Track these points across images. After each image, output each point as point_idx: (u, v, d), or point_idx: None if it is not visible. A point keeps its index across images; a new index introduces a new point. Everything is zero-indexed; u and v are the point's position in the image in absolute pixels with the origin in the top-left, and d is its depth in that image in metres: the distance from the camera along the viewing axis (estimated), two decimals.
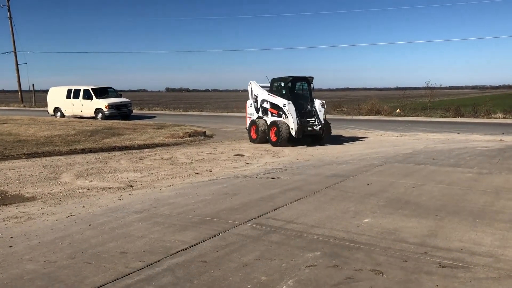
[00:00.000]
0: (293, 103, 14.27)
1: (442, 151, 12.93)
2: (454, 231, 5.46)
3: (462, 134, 17.78)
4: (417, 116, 27.75)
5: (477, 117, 26.01)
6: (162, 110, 37.67)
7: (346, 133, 18.89)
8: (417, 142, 15.21)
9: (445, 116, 27.09)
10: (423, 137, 16.91)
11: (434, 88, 33.70)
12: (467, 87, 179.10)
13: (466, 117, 26.11)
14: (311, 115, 14.90)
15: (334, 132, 18.99)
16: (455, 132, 18.50)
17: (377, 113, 29.28)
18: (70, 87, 27.38)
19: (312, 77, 15.30)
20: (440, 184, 8.28)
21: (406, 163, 10.81)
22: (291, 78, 15.03)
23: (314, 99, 15.18)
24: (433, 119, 26.12)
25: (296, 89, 15.56)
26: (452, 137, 16.79)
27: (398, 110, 30.18)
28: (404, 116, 28.14)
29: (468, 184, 8.28)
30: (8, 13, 48.11)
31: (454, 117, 26.56)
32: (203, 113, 34.48)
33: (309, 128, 14.56)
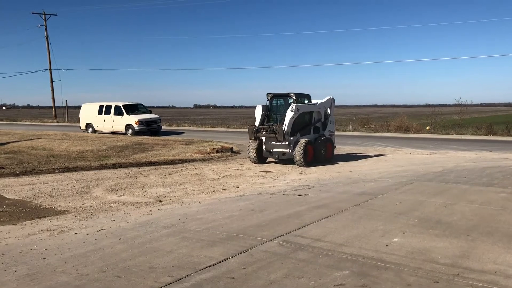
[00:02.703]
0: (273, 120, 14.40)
1: (473, 169, 12.62)
2: (488, 253, 5.31)
3: (494, 153, 17.32)
4: (448, 133, 27.23)
5: (511, 135, 25.31)
6: (190, 126, 38.20)
7: (374, 150, 18.68)
8: (448, 161, 14.90)
9: (477, 134, 26.48)
10: (453, 155, 16.55)
11: (465, 105, 33.14)
12: (499, 104, 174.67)
13: (499, 135, 25.46)
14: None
15: (361, 149, 18.90)
16: (487, 151, 18.04)
17: (406, 130, 28.88)
18: (101, 104, 28.15)
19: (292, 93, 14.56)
20: (472, 204, 8.08)
21: (437, 181, 10.60)
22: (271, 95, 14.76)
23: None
24: (464, 137, 25.56)
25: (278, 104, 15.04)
26: (484, 156, 16.37)
27: (427, 128, 29.70)
28: (434, 133, 27.65)
29: (502, 204, 8.05)
30: (45, 33, 50.15)
31: (486, 135, 25.94)
32: (230, 129, 34.78)
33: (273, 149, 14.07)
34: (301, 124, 14.44)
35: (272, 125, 13.91)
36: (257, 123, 14.43)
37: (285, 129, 13.54)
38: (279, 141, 13.72)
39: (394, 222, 6.78)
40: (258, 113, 14.51)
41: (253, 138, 14.23)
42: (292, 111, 13.71)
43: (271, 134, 13.77)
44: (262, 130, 14.03)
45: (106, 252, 5.34)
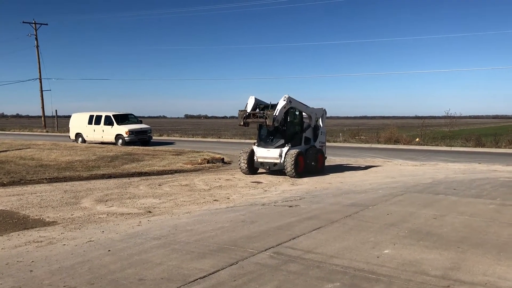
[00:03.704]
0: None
1: (463, 181, 12.71)
2: (478, 264, 5.32)
3: (483, 164, 17.47)
4: (437, 145, 27.44)
5: (499, 147, 25.59)
6: (181, 137, 38.07)
7: (365, 161, 18.76)
8: (437, 172, 14.99)
9: (466, 146, 26.72)
10: (443, 167, 16.67)
11: (454, 117, 33.53)
12: (487, 116, 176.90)
13: (487, 147, 25.71)
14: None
15: (352, 161, 18.97)
16: (476, 162, 18.20)
17: (396, 141, 29.06)
18: (92, 113, 27.98)
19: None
20: (461, 215, 8.12)
21: (427, 193, 10.66)
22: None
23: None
24: (453, 148, 25.78)
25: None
26: (473, 167, 16.51)
27: (417, 139, 29.92)
28: (424, 145, 27.85)
29: (491, 216, 8.10)
30: (36, 42, 49.92)
31: (475, 146, 26.18)
32: (221, 140, 34.72)
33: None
34: (292, 129, 14.40)
35: (263, 112, 13.83)
36: (248, 109, 14.22)
37: (276, 114, 13.45)
38: (269, 126, 13.62)
39: (385, 233, 6.78)
40: (251, 102, 14.20)
41: (242, 123, 14.04)
42: (284, 100, 13.77)
43: (261, 120, 13.67)
44: (252, 116, 13.95)
45: (94, 264, 5.26)
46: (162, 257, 5.53)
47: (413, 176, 13.97)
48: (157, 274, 4.92)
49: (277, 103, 14.06)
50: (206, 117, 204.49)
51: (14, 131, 50.64)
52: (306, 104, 15.15)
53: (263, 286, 4.61)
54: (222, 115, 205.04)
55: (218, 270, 5.04)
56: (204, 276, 4.85)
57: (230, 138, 36.04)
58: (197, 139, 36.22)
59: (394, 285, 4.65)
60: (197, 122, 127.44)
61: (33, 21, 49.77)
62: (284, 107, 13.78)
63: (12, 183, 11.83)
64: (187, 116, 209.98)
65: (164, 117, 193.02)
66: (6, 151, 20.57)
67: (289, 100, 13.85)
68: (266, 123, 13.55)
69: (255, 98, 14.32)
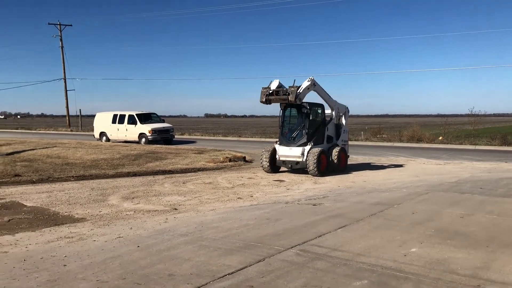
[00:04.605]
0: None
1: (489, 180, 12.50)
2: (509, 264, 5.25)
3: (510, 163, 17.13)
4: (461, 144, 26.99)
5: None
6: (202, 135, 38.37)
7: (387, 160, 18.59)
8: (462, 171, 14.77)
9: (491, 144, 26.22)
10: (468, 166, 16.41)
11: (478, 115, 32.91)
12: None
13: None
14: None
15: (374, 159, 18.82)
16: (502, 161, 17.85)
17: (419, 140, 28.69)
18: (115, 113, 28.43)
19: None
20: (489, 215, 8.00)
21: (452, 192, 10.52)
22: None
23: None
24: (478, 147, 25.32)
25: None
26: (500, 166, 16.20)
27: (440, 138, 29.48)
28: (447, 143, 27.43)
29: None
30: (60, 43, 50.97)
31: (501, 145, 25.66)
32: (242, 139, 34.86)
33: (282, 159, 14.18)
34: (314, 127, 14.33)
35: (286, 89, 13.79)
36: (272, 87, 14.09)
37: (300, 92, 13.50)
38: (291, 102, 13.60)
39: (411, 232, 6.74)
40: (275, 83, 14.03)
41: (264, 100, 13.94)
42: (308, 81, 13.94)
43: (284, 97, 13.65)
44: (275, 93, 13.87)
45: (125, 260, 5.39)
46: (190, 253, 5.62)
47: (438, 175, 13.80)
48: (186, 270, 5.01)
49: (302, 106, 14.11)
50: (226, 116, 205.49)
51: (40, 130, 51.80)
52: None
53: (291, 283, 4.65)
54: (242, 114, 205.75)
55: (246, 267, 5.10)
56: (233, 272, 4.92)
57: (250, 137, 36.17)
58: (218, 138, 36.44)
59: (423, 283, 4.63)
60: (217, 121, 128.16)
61: (58, 23, 50.85)
62: (308, 88, 13.91)
63: (41, 181, 12.14)
64: (207, 115, 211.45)
65: (185, 116, 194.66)
66: (33, 149, 21.08)
67: (314, 82, 13.98)
68: (288, 99, 13.52)
69: (279, 82, 14.29)
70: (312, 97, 16.00)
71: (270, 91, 13.85)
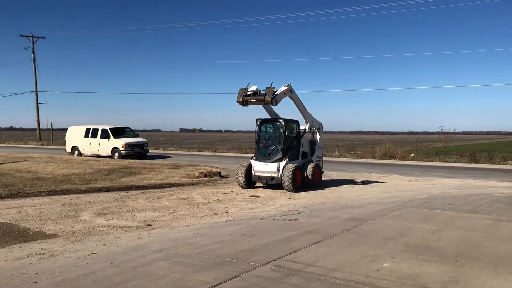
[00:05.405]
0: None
1: (458, 196, 12.86)
2: (476, 278, 5.42)
3: (478, 180, 17.67)
4: (432, 160, 27.68)
5: (493, 163, 25.86)
6: (176, 150, 38.11)
7: (361, 176, 18.89)
8: (433, 187, 15.15)
9: (461, 162, 26.97)
10: (438, 182, 16.84)
11: (448, 133, 33.75)
12: (481, 133, 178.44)
13: (482, 163, 25.97)
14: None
15: (348, 175, 19.10)
16: (471, 178, 18.39)
17: (391, 157, 29.27)
18: (88, 127, 28.03)
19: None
20: (458, 230, 8.23)
21: (423, 208, 10.78)
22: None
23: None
24: (448, 164, 26.01)
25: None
26: (468, 183, 16.69)
27: (412, 155, 30.15)
28: (419, 160, 28.08)
29: (487, 231, 8.22)
30: (33, 55, 50.11)
31: (470, 162, 26.43)
32: (217, 154, 34.81)
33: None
34: (289, 143, 14.44)
35: (263, 90, 13.88)
36: (249, 89, 14.17)
37: (277, 93, 13.69)
38: (267, 103, 13.67)
39: (384, 247, 6.87)
40: (253, 87, 14.19)
41: (240, 100, 13.95)
42: (285, 86, 14.26)
43: (260, 98, 13.72)
44: (252, 94, 13.92)
45: (98, 276, 5.31)
46: (165, 270, 5.58)
47: (409, 191, 14.11)
48: (161, 286, 4.97)
49: (278, 121, 14.35)
50: (201, 130, 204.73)
51: (9, 143, 50.47)
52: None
53: None
54: (217, 129, 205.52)
55: (221, 283, 5.10)
56: None
57: (226, 152, 36.14)
58: (193, 152, 36.28)
59: None
60: (192, 135, 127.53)
61: (31, 34, 50.04)
62: (285, 93, 14.20)
63: (10, 196, 11.83)
64: (182, 130, 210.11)
65: (159, 130, 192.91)
66: (2, 163, 20.53)
67: (291, 88, 14.28)
68: (264, 99, 13.65)
69: (257, 87, 14.38)
70: (284, 114, 16.15)
71: (248, 93, 13.98)
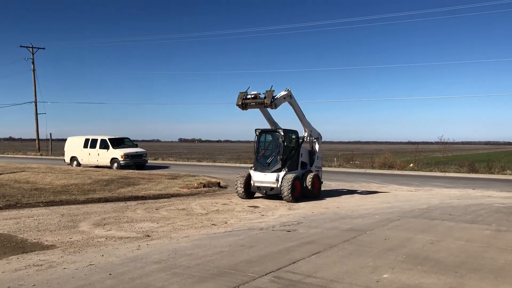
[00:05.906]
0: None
1: (458, 207, 12.83)
2: None
3: (477, 190, 17.65)
4: (431, 170, 27.68)
5: (492, 173, 25.87)
6: (175, 160, 38.09)
7: (360, 186, 18.87)
8: (432, 198, 15.12)
9: (460, 172, 26.97)
10: (438, 193, 16.82)
11: (447, 143, 33.80)
12: (480, 143, 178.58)
13: (481, 173, 25.97)
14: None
15: (347, 185, 19.08)
16: (470, 188, 18.38)
17: (391, 167, 29.27)
18: (87, 137, 28.05)
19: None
20: (458, 241, 8.20)
21: (423, 218, 10.75)
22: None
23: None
24: (447, 174, 26.01)
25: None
26: (468, 193, 16.67)
27: (411, 165, 30.15)
28: (418, 170, 28.07)
29: (487, 241, 8.19)
30: (32, 66, 50.27)
31: (469, 172, 26.44)
32: (216, 164, 34.78)
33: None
34: (288, 153, 14.45)
35: (264, 93, 13.92)
36: (250, 93, 14.21)
37: (276, 97, 13.71)
38: (266, 106, 13.70)
39: (383, 258, 6.84)
40: (253, 92, 14.33)
41: (240, 103, 13.98)
42: (285, 91, 14.34)
43: (260, 101, 13.77)
44: (252, 97, 13.98)
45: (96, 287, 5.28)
46: (163, 281, 5.55)
47: (409, 201, 14.08)
48: None
49: (277, 132, 14.39)
50: (200, 140, 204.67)
51: (7, 154, 50.38)
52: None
53: None
54: (216, 139, 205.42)
55: None
56: None
57: (225, 162, 36.12)
58: (192, 163, 36.26)
59: None
60: (191, 146, 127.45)
61: (30, 45, 50.26)
62: (284, 98, 14.28)
63: (8, 207, 11.79)
64: (181, 140, 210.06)
65: (158, 140, 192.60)
66: (0, 174, 20.48)
67: (290, 93, 14.37)
68: (264, 102, 13.71)
69: (257, 92, 14.45)
70: (283, 124, 16.17)
71: (248, 96, 14.04)
